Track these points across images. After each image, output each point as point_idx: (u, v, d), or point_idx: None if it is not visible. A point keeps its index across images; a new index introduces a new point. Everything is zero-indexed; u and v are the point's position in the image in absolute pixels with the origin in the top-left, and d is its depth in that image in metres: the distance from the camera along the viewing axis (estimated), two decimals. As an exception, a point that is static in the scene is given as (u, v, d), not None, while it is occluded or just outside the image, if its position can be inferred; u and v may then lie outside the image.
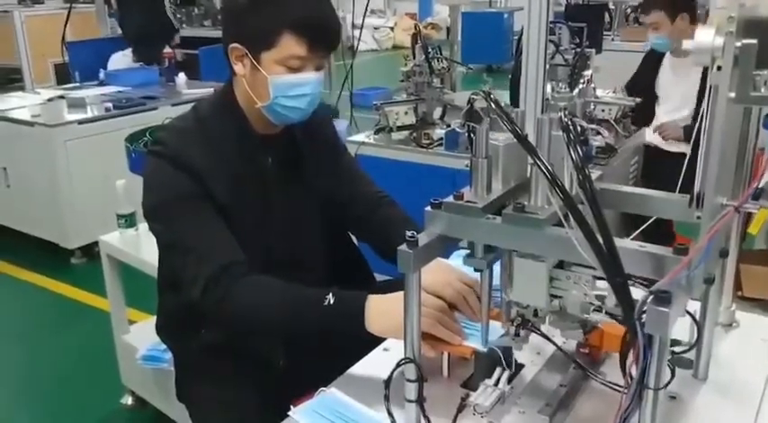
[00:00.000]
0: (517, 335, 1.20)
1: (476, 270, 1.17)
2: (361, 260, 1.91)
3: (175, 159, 1.55)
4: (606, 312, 1.07)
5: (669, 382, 1.13)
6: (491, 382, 1.22)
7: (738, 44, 0.92)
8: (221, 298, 1.46)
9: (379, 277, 1.93)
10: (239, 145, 1.62)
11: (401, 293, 1.13)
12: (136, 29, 5.40)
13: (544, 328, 1.24)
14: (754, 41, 0.91)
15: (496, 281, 1.21)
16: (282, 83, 1.55)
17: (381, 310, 1.38)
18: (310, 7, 1.54)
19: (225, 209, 1.55)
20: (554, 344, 1.33)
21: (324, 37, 1.57)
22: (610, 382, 1.26)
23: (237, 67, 1.59)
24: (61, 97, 4.45)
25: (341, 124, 4.70)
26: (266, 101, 1.57)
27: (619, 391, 0.99)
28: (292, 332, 1.54)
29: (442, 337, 1.34)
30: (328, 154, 1.81)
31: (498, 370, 1.24)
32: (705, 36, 0.93)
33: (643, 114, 3.47)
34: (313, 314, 1.44)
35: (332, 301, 1.41)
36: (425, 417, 1.18)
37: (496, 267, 1.18)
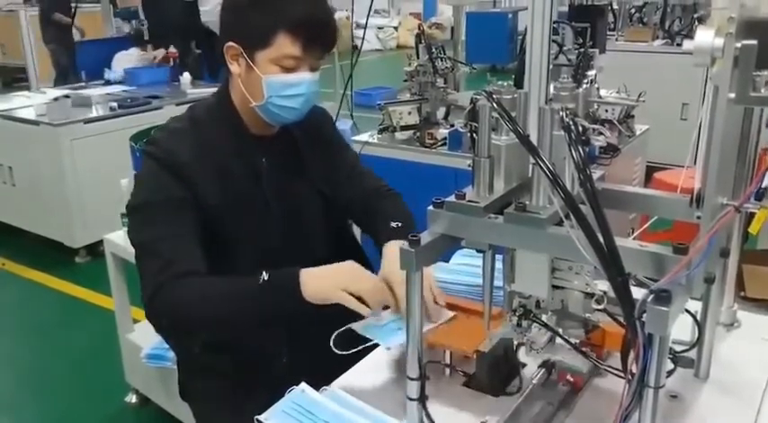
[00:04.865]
0: (519, 326, 1.21)
1: (478, 251, 1.16)
2: (364, 259, 1.92)
3: (164, 158, 1.56)
4: (605, 311, 1.08)
5: (670, 374, 1.14)
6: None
7: (738, 45, 0.92)
8: (164, 303, 1.46)
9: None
10: (233, 145, 1.63)
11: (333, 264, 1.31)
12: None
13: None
14: (754, 42, 0.91)
15: (498, 282, 1.21)
16: (276, 82, 1.55)
17: (314, 274, 1.44)
18: (307, 7, 1.54)
19: (216, 210, 1.56)
20: (556, 334, 1.32)
21: (319, 37, 1.57)
22: (613, 368, 1.26)
23: (233, 67, 1.59)
24: (66, 96, 4.46)
25: (345, 124, 4.70)
26: (260, 100, 1.58)
27: (623, 378, 0.99)
28: (238, 319, 1.52)
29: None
30: (330, 154, 1.81)
31: None
32: (705, 36, 0.94)
33: None
34: (250, 295, 1.45)
35: (266, 277, 1.43)
36: (427, 414, 1.18)
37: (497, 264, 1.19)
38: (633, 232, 2.99)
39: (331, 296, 1.41)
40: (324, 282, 1.43)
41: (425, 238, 1.11)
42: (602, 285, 1.06)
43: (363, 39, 5.58)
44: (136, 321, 2.88)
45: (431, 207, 1.13)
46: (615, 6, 5.61)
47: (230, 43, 1.57)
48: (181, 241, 1.52)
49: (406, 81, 3.17)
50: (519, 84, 1.17)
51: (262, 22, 1.52)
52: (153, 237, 1.53)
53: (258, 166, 1.66)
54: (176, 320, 1.51)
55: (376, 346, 1.47)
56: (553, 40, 1.35)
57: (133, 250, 2.52)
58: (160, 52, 5.36)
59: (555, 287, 1.13)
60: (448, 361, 1.41)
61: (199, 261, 1.52)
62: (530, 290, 1.15)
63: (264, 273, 1.44)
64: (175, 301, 1.47)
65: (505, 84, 1.16)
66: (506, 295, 1.20)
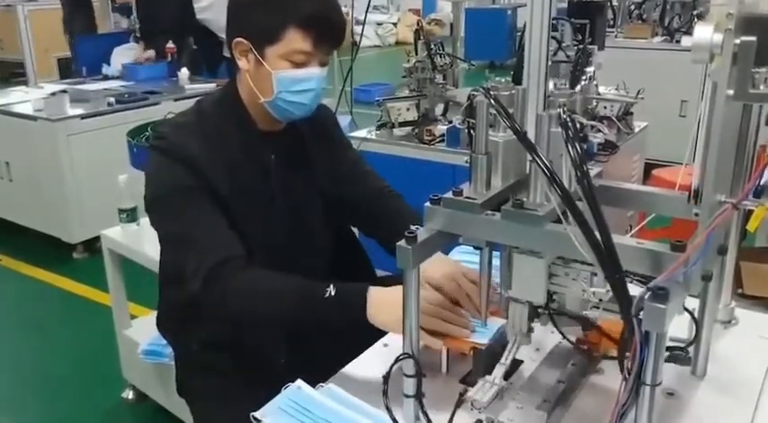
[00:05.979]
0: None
1: (475, 248, 1.16)
2: (363, 256, 1.92)
3: (174, 152, 1.55)
4: (603, 309, 1.08)
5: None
6: (490, 378, 1.23)
7: (737, 41, 0.92)
8: (220, 292, 1.46)
9: (380, 273, 1.93)
10: (240, 140, 1.62)
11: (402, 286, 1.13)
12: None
13: (542, 325, 1.24)
14: (753, 39, 0.91)
15: (495, 279, 1.21)
16: (286, 78, 1.55)
17: (383, 301, 1.38)
18: (318, 3, 1.55)
19: (224, 201, 1.56)
20: (560, 332, 1.30)
21: (329, 33, 1.57)
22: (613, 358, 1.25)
23: (241, 63, 1.59)
24: (64, 92, 4.45)
25: (343, 121, 4.69)
26: (269, 96, 1.57)
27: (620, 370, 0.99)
28: (293, 324, 1.53)
29: (441, 331, 1.34)
30: (333, 149, 1.81)
31: (498, 366, 1.24)
32: (703, 33, 0.93)
33: None
34: (313, 306, 1.43)
35: (332, 293, 1.41)
36: (424, 412, 1.18)
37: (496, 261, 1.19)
38: (631, 229, 2.99)
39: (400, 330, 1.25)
40: (395, 313, 1.25)
41: (422, 234, 1.11)
42: (600, 292, 1.06)
43: (362, 35, 5.57)
44: (133, 317, 2.88)
45: (428, 203, 1.13)
46: (615, 3, 5.60)
47: (239, 39, 1.56)
48: (213, 225, 1.52)
49: (404, 77, 3.16)
50: (517, 80, 1.17)
51: (272, 16, 1.52)
52: (180, 226, 1.54)
53: (266, 162, 1.66)
54: (232, 313, 1.51)
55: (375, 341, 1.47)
56: (552, 37, 1.34)
57: (130, 247, 2.57)
58: (150, 53, 5.33)
59: (552, 293, 1.12)
60: (444, 358, 1.41)
61: (235, 244, 1.51)
62: (526, 296, 1.14)
63: (332, 286, 1.41)
64: (233, 295, 1.46)
65: (503, 80, 1.16)
66: (503, 301, 1.20)
